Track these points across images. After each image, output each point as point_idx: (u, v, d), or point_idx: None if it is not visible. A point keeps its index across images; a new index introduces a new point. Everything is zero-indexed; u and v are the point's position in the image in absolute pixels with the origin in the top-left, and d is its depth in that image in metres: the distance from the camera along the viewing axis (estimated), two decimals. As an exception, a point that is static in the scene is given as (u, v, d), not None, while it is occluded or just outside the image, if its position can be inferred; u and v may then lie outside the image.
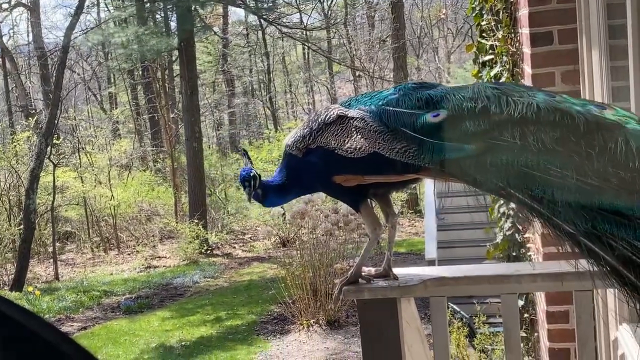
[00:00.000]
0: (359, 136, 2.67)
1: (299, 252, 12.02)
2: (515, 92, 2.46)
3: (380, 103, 2.70)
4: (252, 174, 2.92)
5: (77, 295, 15.07)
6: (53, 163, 19.13)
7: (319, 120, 2.81)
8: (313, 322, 11.45)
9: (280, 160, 3.05)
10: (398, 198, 21.10)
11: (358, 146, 2.67)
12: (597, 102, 2.52)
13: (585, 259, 2.22)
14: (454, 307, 9.74)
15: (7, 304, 0.89)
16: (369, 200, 2.88)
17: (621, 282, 2.13)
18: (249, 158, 3.08)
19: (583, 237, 2.15)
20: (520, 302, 4.84)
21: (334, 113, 2.78)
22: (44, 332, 0.88)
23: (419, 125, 2.55)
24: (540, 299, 4.26)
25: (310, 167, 2.86)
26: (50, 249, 19.04)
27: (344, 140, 2.71)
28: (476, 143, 2.41)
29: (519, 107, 2.36)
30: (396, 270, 3.10)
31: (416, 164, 2.56)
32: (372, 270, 3.06)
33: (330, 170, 2.80)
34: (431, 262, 10.71)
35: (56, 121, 18.91)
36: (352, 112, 2.74)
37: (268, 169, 22.06)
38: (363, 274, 3.01)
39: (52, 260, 18.36)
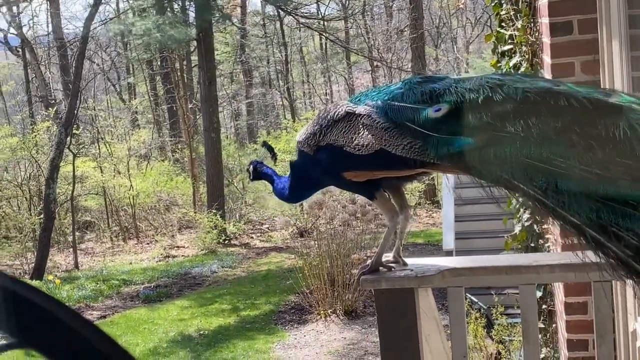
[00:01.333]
0: (366, 133, 2.69)
1: (316, 242, 12.05)
2: (517, 81, 2.44)
3: (386, 98, 2.72)
4: (251, 168, 3.29)
5: (97, 284, 15.20)
6: (73, 153, 19.26)
7: (328, 117, 2.85)
8: (330, 312, 11.48)
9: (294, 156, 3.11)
10: (416, 189, 21.06)
11: (365, 143, 2.69)
12: (602, 89, 2.48)
13: (592, 251, 2.21)
14: (472, 298, 9.71)
15: (44, 297, 0.91)
16: (382, 189, 2.91)
17: (629, 274, 2.11)
18: (270, 150, 3.21)
19: (588, 228, 2.13)
20: (539, 293, 4.82)
21: (342, 110, 2.81)
22: (84, 331, 0.90)
23: (422, 120, 2.57)
24: (559, 289, 4.24)
25: (321, 164, 2.90)
26: (70, 238, 19.20)
27: (352, 138, 2.74)
28: (479, 136, 2.41)
29: (520, 94, 2.35)
30: (413, 260, 3.11)
31: (422, 159, 2.56)
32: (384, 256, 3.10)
33: (340, 167, 2.84)
34: (449, 253, 10.70)
35: (76, 111, 19.02)
36: (360, 109, 2.76)
37: (286, 159, 21.98)
38: (383, 260, 3.04)
39: (71, 249, 18.52)
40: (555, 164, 2.18)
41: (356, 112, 2.76)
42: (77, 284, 15.24)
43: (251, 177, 3.36)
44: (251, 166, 3.32)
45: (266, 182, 3.31)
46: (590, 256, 2.35)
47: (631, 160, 2.06)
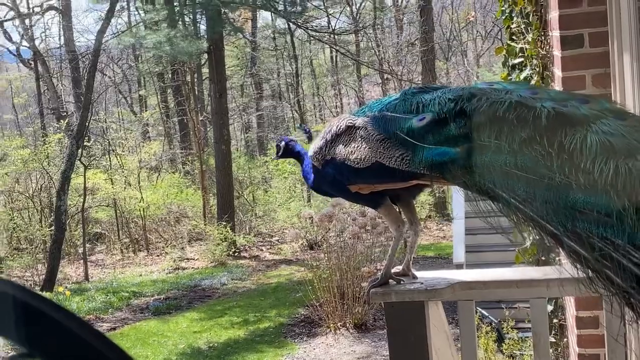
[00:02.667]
0: (363, 146, 2.76)
1: (326, 255, 12.03)
2: (495, 91, 2.46)
3: (382, 108, 2.76)
4: (282, 144, 3.26)
5: (107, 296, 15.23)
6: (84, 165, 19.36)
7: (332, 131, 2.92)
8: (340, 325, 11.44)
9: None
10: (426, 202, 21.05)
11: (362, 156, 2.75)
12: (584, 95, 2.47)
13: (571, 262, 2.19)
14: (482, 311, 9.67)
15: (55, 307, 0.91)
16: (388, 199, 2.94)
17: (607, 285, 2.09)
18: (307, 133, 3.24)
19: (565, 238, 2.13)
20: (550, 307, 4.79)
21: (343, 124, 2.88)
22: (90, 338, 0.90)
23: (409, 129, 2.61)
24: (570, 303, 4.22)
25: (328, 177, 2.97)
26: (81, 250, 19.27)
27: (351, 151, 2.81)
28: (460, 145, 2.43)
29: (492, 107, 2.38)
30: (424, 273, 3.11)
31: (412, 170, 2.59)
32: (394, 268, 3.10)
33: (344, 180, 2.89)
34: (459, 266, 10.65)
35: (87, 123, 19.13)
36: (359, 121, 2.82)
37: (296, 171, 22.12)
38: (393, 273, 3.05)
39: (82, 261, 18.58)
40: (530, 173, 2.20)
41: (355, 125, 2.82)
42: (87, 296, 15.27)
43: (278, 153, 3.32)
44: (283, 142, 3.28)
45: (295, 162, 3.34)
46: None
47: (594, 171, 2.05)
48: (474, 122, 2.42)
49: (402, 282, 3.02)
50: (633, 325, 2.13)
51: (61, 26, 27.03)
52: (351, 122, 2.85)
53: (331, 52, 30.80)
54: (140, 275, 17.90)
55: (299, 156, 3.25)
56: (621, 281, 1.99)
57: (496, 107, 2.35)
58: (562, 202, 2.11)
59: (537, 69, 4.88)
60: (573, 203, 2.08)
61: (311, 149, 3.03)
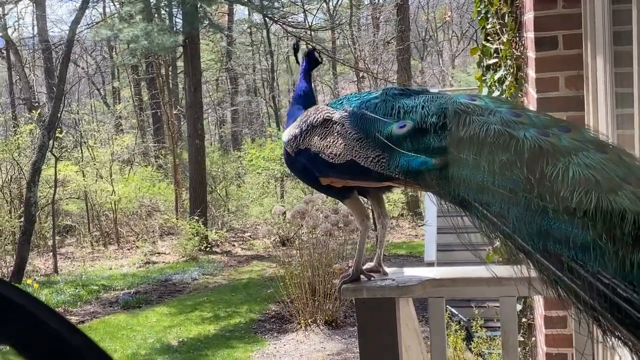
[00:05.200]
0: (339, 142, 2.75)
1: (298, 251, 12.03)
2: (478, 109, 2.47)
3: (362, 106, 2.76)
4: (308, 51, 3.29)
5: (76, 289, 15.08)
6: (55, 156, 19.13)
7: (308, 121, 2.92)
8: (311, 321, 11.45)
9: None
10: (399, 200, 21.13)
11: (338, 152, 2.74)
12: (565, 123, 2.48)
13: (539, 276, 2.21)
14: (452, 310, 9.73)
15: (18, 291, 0.89)
16: (356, 192, 2.95)
17: (574, 302, 2.10)
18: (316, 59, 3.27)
19: (536, 253, 2.15)
20: (519, 306, 4.83)
21: (320, 116, 2.88)
22: (53, 322, 0.89)
23: (388, 134, 2.61)
24: (539, 303, 4.25)
25: (300, 166, 2.98)
26: (50, 242, 19.05)
27: (326, 145, 2.80)
28: (438, 156, 2.45)
29: (473, 127, 2.39)
30: (395, 270, 3.11)
31: (387, 173, 2.59)
32: (365, 264, 3.11)
33: (316, 171, 2.89)
34: (430, 265, 10.71)
35: (59, 114, 18.91)
36: (337, 115, 2.82)
37: (270, 167, 22.09)
38: (364, 269, 3.06)
39: (51, 253, 18.37)
40: (507, 192, 2.21)
41: (333, 119, 2.82)
42: (55, 289, 15.11)
43: (296, 52, 3.37)
44: (311, 54, 3.30)
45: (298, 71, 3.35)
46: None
47: (573, 201, 2.06)
48: (455, 140, 2.43)
49: (373, 278, 3.03)
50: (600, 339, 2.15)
51: (35, 15, 26.67)
52: (329, 115, 2.84)
53: (307, 46, 30.70)
54: (110, 268, 17.75)
55: (305, 72, 3.27)
56: (589, 299, 2.01)
57: (479, 131, 2.36)
58: (536, 225, 2.13)
59: (512, 70, 4.91)
60: (547, 227, 2.10)
61: (285, 134, 3.02)
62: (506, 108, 2.48)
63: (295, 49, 3.43)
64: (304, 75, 3.25)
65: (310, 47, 3.36)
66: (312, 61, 3.29)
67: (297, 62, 3.36)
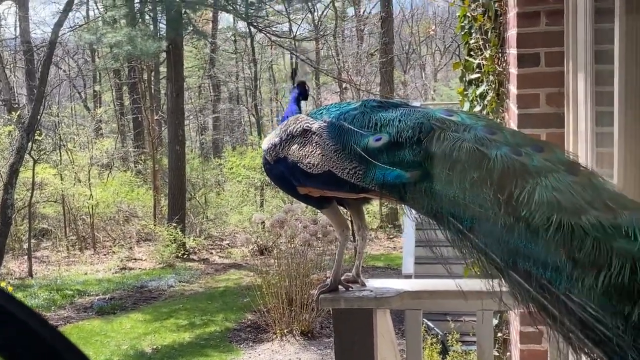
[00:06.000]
0: (317, 152, 2.77)
1: (276, 260, 11.99)
2: (454, 125, 2.49)
3: (340, 117, 2.77)
4: (303, 86, 3.36)
5: (50, 293, 14.92)
6: (33, 159, 18.96)
7: (288, 130, 2.94)
8: (287, 331, 11.40)
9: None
10: (378, 212, 21.16)
11: (315, 162, 2.76)
12: (539, 142, 2.49)
13: (512, 292, 2.22)
14: (428, 323, 9.75)
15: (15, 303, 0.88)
16: (335, 202, 2.96)
17: (546, 319, 2.11)
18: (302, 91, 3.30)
19: (507, 269, 2.16)
20: (495, 321, 4.85)
21: (300, 126, 2.89)
22: (34, 325, 0.87)
23: (364, 146, 2.63)
24: (515, 318, 4.27)
25: (279, 174, 3.00)
26: (26, 245, 18.84)
27: (305, 155, 2.82)
28: (413, 170, 2.46)
29: (447, 143, 2.41)
30: (373, 282, 3.11)
31: (363, 185, 2.61)
32: (344, 275, 3.12)
33: (294, 181, 2.90)
34: (408, 278, 10.73)
35: (39, 117, 18.76)
36: (316, 125, 2.83)
37: (250, 175, 22.04)
38: (343, 279, 3.06)
39: (26, 256, 18.17)
40: (477, 209, 2.23)
41: (312, 129, 2.83)
42: (30, 292, 14.94)
43: (294, 73, 3.44)
44: (302, 85, 3.36)
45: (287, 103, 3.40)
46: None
47: (537, 223, 2.07)
48: (429, 155, 2.45)
49: (351, 288, 3.03)
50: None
51: (17, 17, 26.46)
52: (308, 126, 2.85)
53: (291, 58, 30.78)
54: (86, 273, 17.58)
55: (295, 101, 3.28)
56: (559, 315, 2.02)
57: (452, 147, 2.38)
58: (506, 242, 2.15)
59: (493, 85, 4.95)
60: (516, 245, 2.12)
61: (265, 142, 3.04)
62: (482, 125, 2.49)
63: (294, 70, 3.45)
64: (294, 100, 3.28)
65: (301, 79, 3.39)
66: (302, 92, 3.31)
67: (293, 82, 3.39)
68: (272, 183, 3.47)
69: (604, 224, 1.96)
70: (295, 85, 3.34)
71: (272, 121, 32.88)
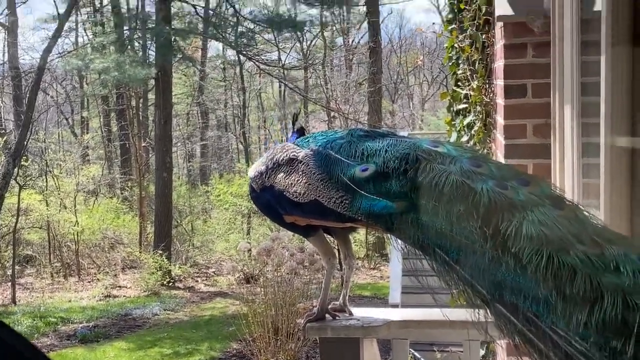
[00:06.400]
0: (304, 181, 2.77)
1: (262, 289, 11.91)
2: (440, 157, 2.49)
3: (327, 145, 2.77)
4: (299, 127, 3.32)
5: (34, 320, 14.74)
6: (19, 184, 18.86)
7: (274, 159, 2.94)
8: (272, 361, 11.30)
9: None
10: (365, 241, 21.13)
11: (301, 191, 2.76)
12: (524, 175, 2.49)
13: (497, 324, 2.21)
14: (415, 353, 9.69)
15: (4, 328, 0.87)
16: (321, 230, 2.95)
17: (532, 352, 2.10)
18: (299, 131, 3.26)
19: (493, 301, 2.15)
20: (481, 352, 4.83)
21: (286, 155, 2.89)
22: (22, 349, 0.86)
23: (351, 176, 2.62)
24: (502, 348, 4.25)
25: (265, 202, 3.00)
26: (9, 272, 18.64)
27: (291, 184, 2.82)
28: (399, 201, 2.46)
29: (433, 175, 2.41)
30: (360, 310, 3.10)
31: (349, 214, 2.60)
32: (331, 304, 3.10)
33: (280, 209, 2.89)
34: (395, 307, 10.68)
35: (26, 142, 18.70)
36: (302, 154, 2.82)
37: (237, 202, 21.99)
38: (330, 308, 3.04)
39: (10, 283, 17.97)
40: (464, 241, 2.22)
41: (298, 158, 2.82)
42: (13, 319, 14.74)
43: (295, 120, 3.43)
44: (301, 131, 3.32)
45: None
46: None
47: (524, 258, 2.07)
48: (416, 187, 2.45)
49: (338, 317, 3.01)
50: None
51: (6, 42, 26.49)
52: (294, 155, 2.85)
53: (280, 86, 30.96)
54: (70, 300, 17.39)
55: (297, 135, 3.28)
56: (545, 349, 2.01)
57: (439, 179, 2.38)
58: (492, 274, 2.14)
59: (481, 116, 4.98)
60: (501, 279, 2.11)
61: (252, 169, 3.04)
62: (467, 157, 2.50)
63: (295, 118, 3.47)
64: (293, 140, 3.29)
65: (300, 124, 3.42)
66: (301, 134, 3.32)
67: (293, 128, 3.41)
68: (259, 211, 3.45)
69: (592, 259, 1.95)
70: (295, 130, 3.33)
71: (259, 149, 32.93)
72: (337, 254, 3.06)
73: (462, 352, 3.25)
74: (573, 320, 1.91)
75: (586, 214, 2.19)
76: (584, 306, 1.90)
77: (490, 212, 2.20)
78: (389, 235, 2.64)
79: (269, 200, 2.94)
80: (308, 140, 2.91)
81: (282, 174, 2.85)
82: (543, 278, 2.00)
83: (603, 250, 1.97)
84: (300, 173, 2.78)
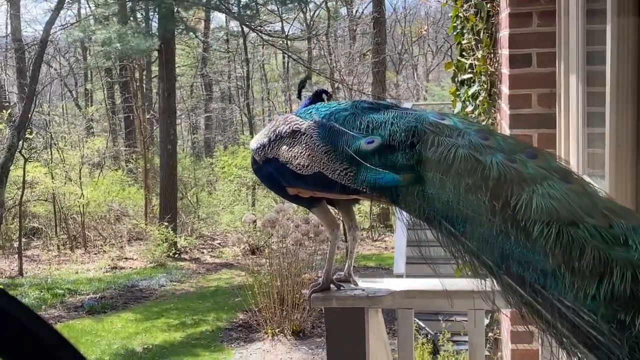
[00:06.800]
0: (307, 153, 2.74)
1: (267, 260, 11.98)
2: (447, 130, 2.48)
3: (331, 117, 2.75)
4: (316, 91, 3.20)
5: (41, 292, 14.87)
6: (24, 157, 18.89)
7: (277, 131, 2.89)
8: (278, 331, 11.40)
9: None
10: (369, 212, 21.18)
11: (305, 164, 2.73)
12: (531, 148, 2.47)
13: (504, 295, 2.22)
14: (420, 323, 9.76)
15: (9, 299, 0.88)
16: (324, 201, 2.95)
17: (538, 322, 2.11)
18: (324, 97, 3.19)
19: (500, 272, 2.16)
20: (486, 321, 4.86)
21: (289, 127, 2.85)
22: (40, 331, 0.87)
23: (356, 149, 2.60)
24: (506, 317, 4.28)
25: (267, 175, 2.97)
26: (16, 244, 18.77)
27: (294, 156, 2.78)
28: (405, 174, 2.45)
29: (442, 149, 2.39)
30: (365, 281, 3.12)
31: (354, 187, 2.60)
32: (336, 274, 3.11)
33: (283, 181, 2.87)
34: (399, 277, 10.73)
35: (30, 115, 18.70)
36: (305, 125, 2.79)
37: (242, 174, 22.03)
38: (335, 279, 3.05)
39: (17, 255, 18.10)
40: (471, 214, 2.22)
41: (301, 130, 2.80)
42: (20, 291, 14.88)
43: (302, 87, 3.42)
44: (318, 93, 3.22)
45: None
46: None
47: (534, 231, 2.07)
48: (422, 160, 2.43)
49: (342, 288, 3.03)
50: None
51: (8, 15, 26.36)
52: (297, 127, 2.82)
53: (283, 57, 30.81)
54: (77, 272, 17.52)
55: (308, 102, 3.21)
56: (552, 319, 2.02)
57: (447, 153, 2.37)
58: (500, 247, 2.14)
59: (485, 86, 4.96)
60: (510, 251, 2.11)
61: (253, 141, 3.01)
62: (474, 130, 2.48)
63: (301, 85, 3.42)
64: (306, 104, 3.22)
65: (319, 87, 3.35)
66: (316, 100, 3.20)
67: (298, 97, 3.38)
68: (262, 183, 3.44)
69: (601, 233, 1.96)
70: (315, 92, 3.24)
71: (264, 120, 32.89)
72: (341, 225, 3.06)
73: (466, 321, 3.27)
74: (581, 293, 1.92)
75: (594, 187, 2.19)
76: (593, 279, 1.90)
77: (500, 186, 2.19)
78: (393, 207, 2.64)
79: (271, 173, 2.92)
80: (311, 112, 2.89)
81: (285, 146, 2.83)
82: (552, 251, 2.00)
83: (612, 223, 1.97)
84: (303, 145, 2.77)
